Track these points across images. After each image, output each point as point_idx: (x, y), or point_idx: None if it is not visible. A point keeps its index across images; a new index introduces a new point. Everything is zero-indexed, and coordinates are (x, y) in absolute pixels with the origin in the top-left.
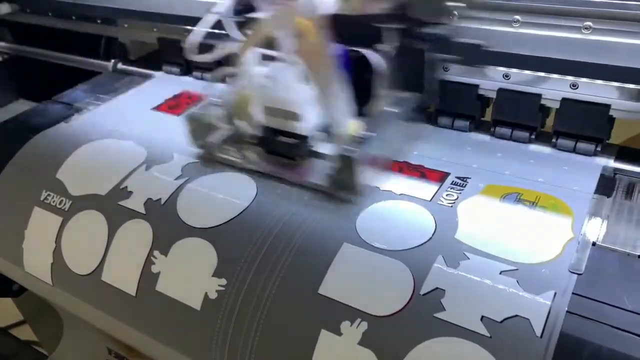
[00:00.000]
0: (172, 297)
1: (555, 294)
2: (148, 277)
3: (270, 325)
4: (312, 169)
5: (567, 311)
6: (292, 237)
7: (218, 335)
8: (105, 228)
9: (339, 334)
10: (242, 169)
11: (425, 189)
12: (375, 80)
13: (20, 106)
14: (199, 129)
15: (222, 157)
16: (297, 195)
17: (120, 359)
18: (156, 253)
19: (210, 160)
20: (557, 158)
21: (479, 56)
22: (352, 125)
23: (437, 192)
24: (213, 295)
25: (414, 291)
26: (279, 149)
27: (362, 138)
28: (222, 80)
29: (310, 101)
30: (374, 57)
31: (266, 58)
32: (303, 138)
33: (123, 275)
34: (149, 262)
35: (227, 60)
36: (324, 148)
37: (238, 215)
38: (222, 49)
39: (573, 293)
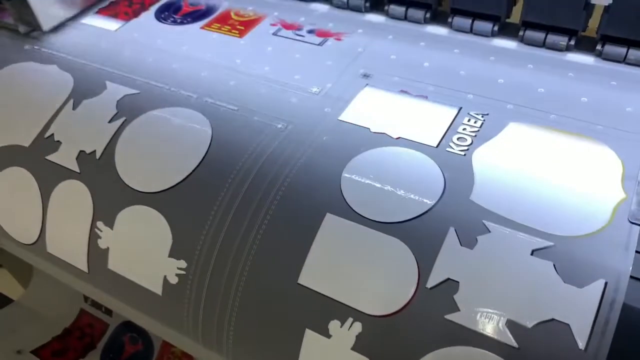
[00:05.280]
0: (129, 278)
1: (605, 284)
2: (97, 254)
3: (244, 321)
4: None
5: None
6: (261, 205)
7: (188, 323)
8: (36, 191)
9: (327, 335)
10: None
11: (430, 131)
12: None
13: None
14: None
15: None
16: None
17: (98, 308)
18: (100, 224)
19: None
20: (605, 71)
21: None
22: None
23: (445, 134)
24: (173, 279)
25: (418, 283)
26: None
27: None
28: None
29: None
30: None
31: None
32: None
33: (69, 249)
34: (94, 235)
35: None
36: None
37: (190, 174)
38: None
39: (637, 252)
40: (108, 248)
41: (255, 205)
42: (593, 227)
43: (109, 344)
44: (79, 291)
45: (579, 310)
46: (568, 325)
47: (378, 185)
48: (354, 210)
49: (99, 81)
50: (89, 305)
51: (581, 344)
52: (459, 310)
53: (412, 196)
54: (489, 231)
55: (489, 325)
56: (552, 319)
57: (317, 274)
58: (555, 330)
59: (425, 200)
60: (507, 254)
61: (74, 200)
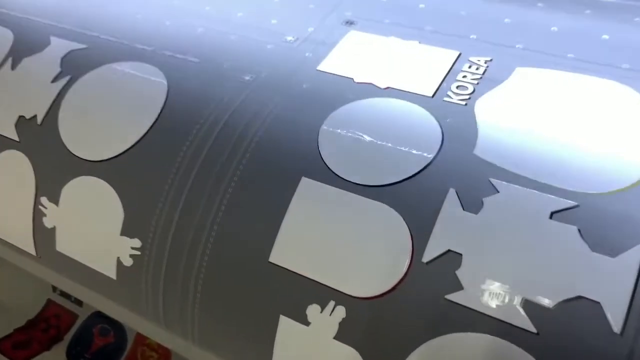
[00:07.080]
0: (80, 261)
1: None
2: (43, 234)
3: (209, 309)
4: None
5: None
6: (224, 171)
7: (148, 311)
8: None
9: (306, 322)
10: None
11: (425, 79)
12: None
13: None
14: None
15: None
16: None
17: (67, 297)
18: (44, 200)
19: None
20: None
21: None
22: None
23: (442, 82)
24: (128, 261)
25: (412, 257)
26: None
27: None
28: None
29: None
30: None
31: None
32: None
33: (13, 229)
34: (38, 213)
35: None
36: None
37: (141, 139)
38: None
39: None
40: (54, 227)
41: (217, 172)
42: (625, 181)
43: (77, 335)
44: (37, 276)
45: (612, 284)
46: (599, 303)
47: (361, 142)
48: (333, 172)
49: (42, 36)
50: (57, 294)
51: (616, 327)
52: (462, 288)
53: (403, 153)
54: (498, 191)
55: (500, 306)
56: (579, 297)
57: (291, 250)
58: (583, 310)
59: (419, 158)
60: (521, 218)
61: (14, 173)
